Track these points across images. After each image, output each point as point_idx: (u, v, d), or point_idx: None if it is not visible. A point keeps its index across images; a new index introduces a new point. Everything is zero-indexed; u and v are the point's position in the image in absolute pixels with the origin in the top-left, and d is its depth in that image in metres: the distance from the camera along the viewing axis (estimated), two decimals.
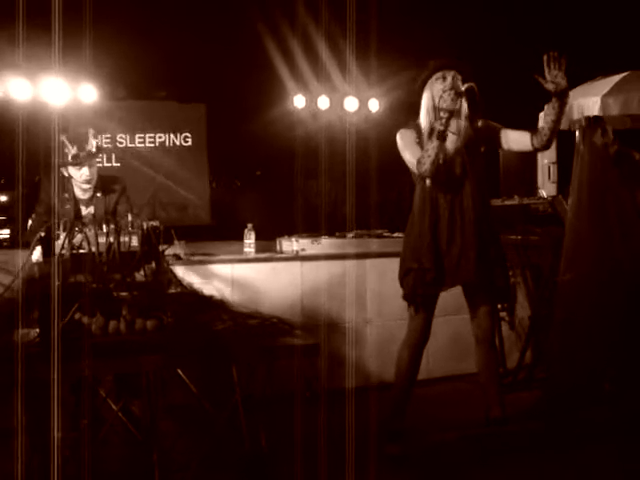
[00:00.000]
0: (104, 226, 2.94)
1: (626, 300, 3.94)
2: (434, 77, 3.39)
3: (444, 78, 3.36)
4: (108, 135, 8.59)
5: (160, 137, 9.12)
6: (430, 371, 4.71)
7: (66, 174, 3.97)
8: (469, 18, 9.07)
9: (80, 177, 3.94)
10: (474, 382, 4.16)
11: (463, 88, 3.25)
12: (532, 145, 3.36)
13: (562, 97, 3.20)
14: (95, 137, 3.96)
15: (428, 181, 3.36)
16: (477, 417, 3.63)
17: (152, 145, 9.06)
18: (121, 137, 8.82)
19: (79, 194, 4.00)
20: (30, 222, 3.99)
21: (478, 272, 3.36)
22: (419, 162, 3.28)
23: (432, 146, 3.23)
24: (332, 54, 8.41)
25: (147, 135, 9.03)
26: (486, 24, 9.05)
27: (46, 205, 3.99)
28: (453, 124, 3.32)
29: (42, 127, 6.93)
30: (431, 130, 3.27)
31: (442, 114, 3.23)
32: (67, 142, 3.88)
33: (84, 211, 4.00)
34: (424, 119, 3.42)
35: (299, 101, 8.64)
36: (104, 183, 4.07)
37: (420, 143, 3.38)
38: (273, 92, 8.79)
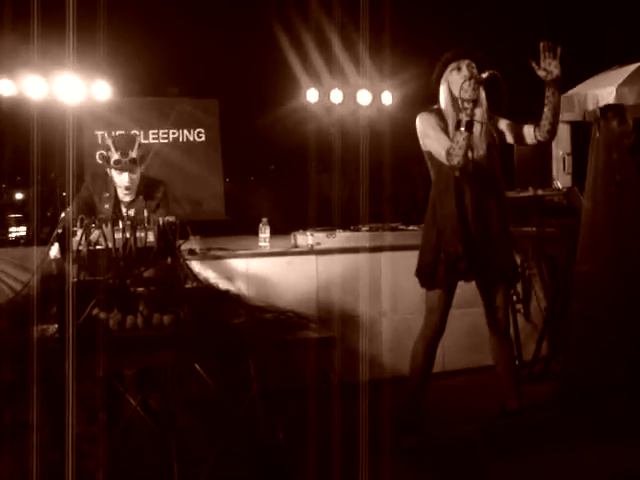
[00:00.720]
0: (120, 222, 2.95)
1: None
2: (449, 68, 3.39)
3: (459, 68, 3.36)
4: (122, 131, 8.63)
5: (174, 133, 9.15)
6: (446, 364, 4.71)
7: (109, 174, 3.97)
8: (483, 9, 9.02)
9: (121, 182, 3.93)
10: (490, 374, 4.16)
11: (484, 75, 3.23)
12: (535, 138, 3.35)
13: (554, 85, 3.18)
14: (141, 145, 3.95)
15: (457, 172, 3.34)
16: (493, 409, 3.63)
17: (166, 141, 9.09)
18: (135, 133, 8.85)
19: (121, 196, 4.00)
20: (62, 215, 3.99)
21: (503, 264, 3.39)
22: (449, 154, 3.25)
23: (462, 137, 3.21)
24: (345, 47, 8.41)
25: (161, 131, 9.06)
26: (499, 15, 9.01)
27: (83, 201, 3.99)
28: (477, 112, 3.31)
29: (56, 124, 6.98)
30: (458, 122, 3.25)
31: (466, 104, 3.22)
32: (112, 146, 3.88)
33: (124, 212, 3.99)
34: (446, 107, 3.42)
35: (312, 95, 8.64)
36: (147, 186, 4.04)
37: (445, 129, 3.37)
38: (286, 86, 8.79)
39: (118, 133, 3.97)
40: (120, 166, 3.86)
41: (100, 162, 3.93)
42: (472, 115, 3.23)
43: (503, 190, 3.52)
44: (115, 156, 3.85)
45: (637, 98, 6.81)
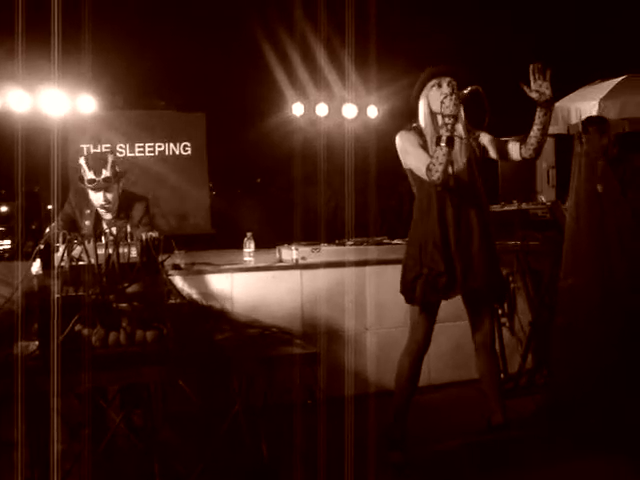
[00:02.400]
0: (102, 238, 2.94)
1: (626, 306, 3.94)
2: (429, 84, 3.40)
3: (439, 85, 3.37)
4: (107, 145, 8.62)
5: (160, 146, 9.15)
6: (431, 378, 4.71)
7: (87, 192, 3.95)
8: (467, 25, 9.09)
9: (97, 201, 3.91)
10: (475, 388, 4.17)
11: (466, 91, 3.24)
12: (521, 155, 3.36)
13: (547, 106, 3.21)
14: (115, 163, 3.93)
15: (439, 187, 3.34)
16: (479, 423, 3.63)
17: (152, 154, 9.08)
18: (121, 147, 8.85)
19: (101, 213, 3.99)
20: (47, 230, 3.96)
21: (488, 277, 3.39)
22: (429, 170, 3.25)
23: (442, 153, 3.21)
24: (330, 61, 8.44)
25: (147, 144, 9.06)
26: (485, 30, 9.08)
27: (67, 217, 3.97)
28: (457, 128, 3.32)
29: (41, 138, 6.96)
30: (438, 138, 3.25)
31: (446, 120, 3.23)
32: (85, 165, 3.86)
33: (105, 229, 3.96)
34: (424, 124, 3.43)
35: (298, 109, 8.67)
36: (128, 202, 4.02)
37: (424, 146, 3.38)
38: (272, 100, 8.81)
39: (91, 152, 3.94)
40: (94, 185, 3.84)
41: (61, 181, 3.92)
42: (453, 131, 3.24)
43: (486, 204, 3.53)
44: (89, 175, 3.84)
45: (619, 112, 6.88)
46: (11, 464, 2.67)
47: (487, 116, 3.21)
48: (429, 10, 9.03)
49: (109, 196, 3.89)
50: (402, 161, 3.47)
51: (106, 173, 3.83)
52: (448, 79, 3.36)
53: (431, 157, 3.26)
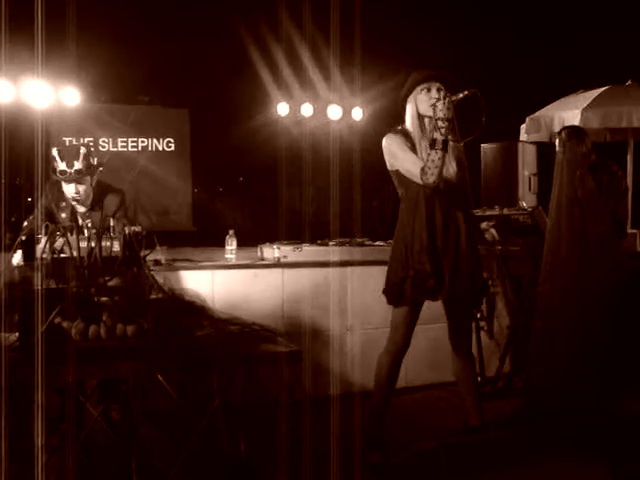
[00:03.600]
0: (85, 231, 2.92)
1: (604, 310, 3.99)
2: (418, 88, 3.40)
3: (429, 90, 3.37)
4: (91, 139, 8.56)
5: (143, 142, 9.11)
6: (409, 380, 4.73)
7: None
8: (452, 27, 9.15)
9: (68, 193, 3.89)
10: (452, 391, 4.19)
11: (462, 94, 3.25)
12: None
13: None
14: (89, 156, 3.90)
15: (428, 190, 3.34)
16: (456, 425, 3.65)
17: (135, 149, 9.04)
18: (104, 141, 8.80)
19: (74, 205, 3.96)
20: (26, 223, 3.94)
21: (473, 280, 3.42)
22: (424, 172, 3.25)
23: (437, 157, 3.22)
24: (316, 62, 8.47)
25: (130, 139, 9.01)
26: (470, 35, 9.14)
27: (45, 209, 3.94)
28: (449, 132, 3.30)
29: (24, 129, 6.91)
30: (433, 141, 3.25)
31: (440, 123, 3.23)
32: (57, 156, 3.83)
33: (81, 222, 3.93)
34: (411, 127, 3.43)
35: (283, 108, 8.67)
36: (102, 195, 4.00)
37: (412, 149, 3.38)
38: (257, 99, 8.82)
39: (66, 142, 3.91)
40: (65, 177, 3.82)
41: (47, 174, 3.90)
42: (447, 134, 3.24)
43: (470, 208, 3.55)
44: (61, 167, 3.81)
45: (601, 121, 6.96)
46: None
47: (483, 120, 3.21)
48: (414, 12, 9.08)
49: (80, 188, 3.87)
50: (388, 163, 3.47)
51: (78, 165, 3.81)
52: (437, 84, 3.36)
53: (425, 160, 3.27)
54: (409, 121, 3.44)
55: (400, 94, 3.48)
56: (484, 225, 4.90)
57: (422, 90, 3.39)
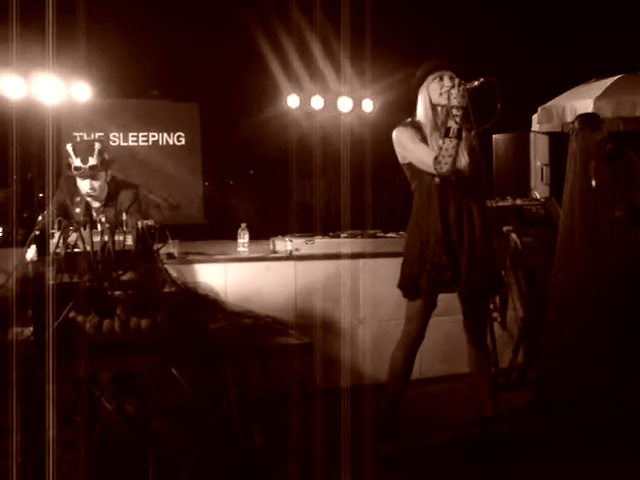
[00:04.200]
0: (99, 225, 2.93)
1: (617, 299, 3.96)
2: (431, 77, 3.37)
3: (441, 78, 3.35)
4: (101, 133, 8.57)
5: (154, 136, 9.12)
6: (422, 372, 4.72)
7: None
8: (462, 19, 9.10)
9: (83, 188, 3.90)
10: (465, 382, 4.19)
11: (477, 82, 3.22)
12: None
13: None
14: (103, 151, 3.91)
15: (437, 179, 3.33)
16: (469, 417, 3.65)
17: (145, 144, 9.05)
18: (114, 136, 8.82)
19: (89, 201, 3.97)
20: (40, 218, 3.95)
21: (488, 272, 3.40)
22: (438, 162, 3.22)
23: (451, 145, 3.19)
24: (326, 54, 8.44)
25: (140, 134, 9.03)
26: (480, 26, 9.09)
27: (59, 204, 3.96)
28: (463, 120, 3.27)
29: (35, 125, 6.93)
30: (447, 130, 3.23)
31: (455, 111, 3.21)
32: (72, 152, 3.84)
33: (95, 217, 3.94)
34: (424, 117, 3.40)
35: (293, 101, 8.65)
36: (117, 190, 4.01)
37: (423, 141, 3.35)
38: (267, 92, 8.80)
39: (78, 139, 3.91)
40: (80, 173, 3.83)
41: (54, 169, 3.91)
42: (461, 123, 3.21)
43: (485, 198, 3.52)
44: (75, 163, 3.82)
45: (614, 111, 6.90)
46: (4, 450, 2.67)
47: (498, 108, 3.19)
48: (424, 3, 9.04)
49: (95, 184, 3.88)
50: (399, 156, 3.44)
51: (93, 161, 3.81)
52: (449, 73, 3.34)
53: (439, 149, 3.24)
54: (421, 111, 3.41)
55: (412, 84, 3.46)
56: (505, 229, 4.87)
57: (434, 79, 3.37)
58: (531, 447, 3.59)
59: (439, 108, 3.35)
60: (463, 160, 3.37)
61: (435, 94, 3.35)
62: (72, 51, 6.81)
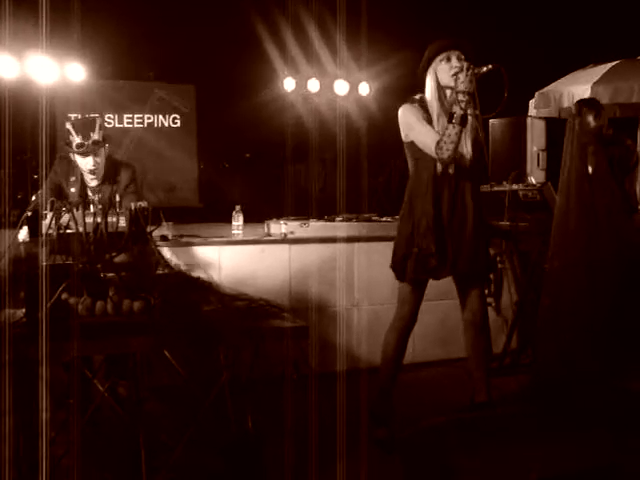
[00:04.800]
0: (91, 206, 2.91)
1: (611, 284, 3.96)
2: (438, 58, 3.30)
3: (448, 59, 3.28)
4: (96, 114, 8.51)
5: (149, 118, 9.07)
6: (415, 356, 4.73)
7: (73, 159, 3.90)
8: (460, 3, 9.04)
9: (85, 166, 3.87)
10: (459, 367, 4.20)
11: (485, 68, 3.16)
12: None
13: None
14: (102, 127, 3.88)
15: (440, 166, 3.29)
16: (463, 402, 3.65)
17: (141, 126, 9.00)
18: (109, 117, 8.76)
19: (87, 180, 3.94)
20: (34, 198, 3.92)
21: (476, 261, 3.38)
22: (439, 147, 3.18)
23: (454, 132, 3.14)
24: (322, 37, 8.39)
25: (135, 116, 8.98)
26: (476, 9, 9.04)
27: (53, 184, 3.93)
28: (469, 106, 3.21)
29: (29, 106, 6.87)
30: (451, 115, 3.17)
31: (461, 97, 3.15)
32: (72, 130, 3.80)
33: (91, 197, 3.92)
34: (431, 99, 3.33)
35: (289, 84, 8.60)
36: (114, 169, 3.98)
37: (428, 121, 3.30)
38: (263, 74, 8.75)
39: (78, 117, 3.87)
40: (83, 149, 3.79)
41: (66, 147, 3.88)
42: (467, 109, 3.16)
43: (479, 185, 3.50)
44: (77, 140, 3.79)
45: (611, 97, 6.89)
46: None
47: (505, 97, 3.14)
48: None
49: (98, 160, 3.86)
50: (403, 134, 3.39)
51: (94, 136, 3.79)
52: (457, 52, 3.27)
53: (442, 134, 3.19)
54: (429, 93, 3.34)
55: (420, 65, 3.37)
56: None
57: (442, 60, 3.29)
58: (524, 432, 3.60)
59: (448, 91, 3.28)
60: (465, 149, 3.32)
61: (444, 75, 3.28)
62: (66, 31, 6.76)
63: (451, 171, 3.32)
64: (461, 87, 3.15)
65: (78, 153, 3.82)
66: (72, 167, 3.91)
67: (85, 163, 3.85)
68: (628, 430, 3.45)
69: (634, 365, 3.94)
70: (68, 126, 3.83)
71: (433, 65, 3.32)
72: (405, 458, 3.36)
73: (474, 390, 3.58)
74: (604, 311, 3.95)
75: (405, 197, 3.46)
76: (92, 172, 3.88)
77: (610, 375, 3.84)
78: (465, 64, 3.19)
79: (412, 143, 3.37)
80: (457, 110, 3.16)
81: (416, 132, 3.32)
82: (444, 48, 3.30)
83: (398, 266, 3.42)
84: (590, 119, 4.14)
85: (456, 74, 3.18)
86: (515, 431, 3.56)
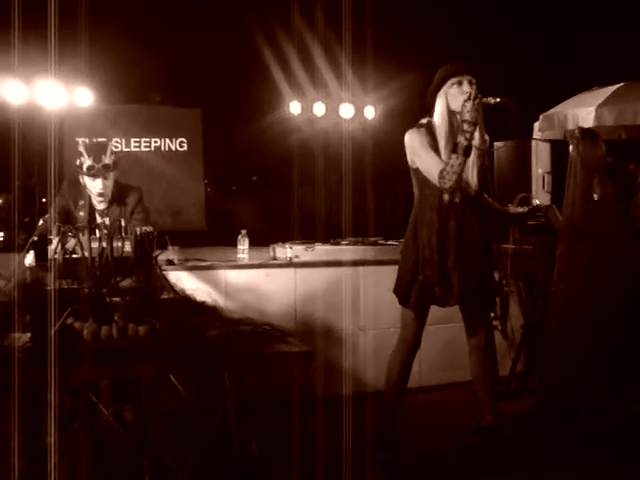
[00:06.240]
0: (97, 231, 2.93)
1: (617, 309, 3.95)
2: (450, 81, 3.26)
3: (460, 83, 3.24)
4: (104, 139, 8.56)
5: (156, 142, 9.13)
6: (422, 380, 4.71)
7: (82, 182, 3.94)
8: (464, 25, 9.10)
9: (94, 189, 3.91)
10: (464, 391, 4.17)
11: (493, 101, 3.13)
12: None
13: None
14: (113, 151, 3.92)
15: (446, 196, 3.26)
16: (469, 426, 3.63)
17: (147, 150, 9.06)
18: (117, 141, 8.82)
19: (95, 203, 3.97)
20: (41, 222, 3.95)
21: (483, 289, 3.38)
22: (442, 176, 3.15)
23: (457, 162, 3.11)
24: (328, 61, 8.44)
25: (142, 139, 9.04)
26: (482, 33, 9.09)
27: (61, 208, 3.96)
28: (475, 136, 3.17)
29: (37, 131, 6.93)
30: (455, 145, 3.15)
31: (466, 126, 3.10)
32: (84, 151, 3.85)
33: (99, 220, 3.95)
34: (440, 124, 3.29)
35: (295, 107, 8.65)
36: (121, 192, 4.02)
37: (434, 147, 3.27)
38: (269, 98, 8.80)
39: (90, 139, 3.90)
40: (93, 172, 3.84)
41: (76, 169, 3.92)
42: (471, 139, 3.12)
43: (487, 213, 3.46)
44: (88, 162, 3.83)
45: (616, 119, 6.90)
46: (2, 455, 2.66)
47: (515, 130, 3.13)
48: (426, 10, 9.04)
49: (107, 183, 3.90)
50: (409, 159, 3.37)
51: (105, 160, 3.84)
52: (469, 77, 3.24)
53: (445, 163, 3.17)
54: (438, 117, 3.31)
55: (429, 89, 3.35)
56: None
57: (453, 84, 3.25)
58: (531, 456, 3.57)
59: (458, 115, 3.23)
60: (470, 178, 3.29)
61: (454, 100, 3.24)
62: (74, 56, 6.81)
63: (457, 200, 3.29)
64: (467, 116, 3.10)
65: (88, 175, 3.86)
66: (80, 191, 3.95)
67: (94, 186, 3.89)
68: (634, 455, 3.43)
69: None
70: (80, 148, 3.88)
71: (444, 88, 3.28)
72: None
73: (481, 415, 3.56)
74: (610, 334, 3.94)
75: (410, 223, 3.43)
76: (100, 195, 3.92)
77: (616, 397, 3.82)
78: (473, 92, 3.14)
79: (417, 170, 3.35)
80: (461, 140, 3.12)
81: (421, 159, 3.30)
82: (457, 72, 3.25)
83: (402, 292, 3.41)
84: (591, 146, 4.15)
85: (463, 103, 3.14)
86: (520, 456, 3.54)
